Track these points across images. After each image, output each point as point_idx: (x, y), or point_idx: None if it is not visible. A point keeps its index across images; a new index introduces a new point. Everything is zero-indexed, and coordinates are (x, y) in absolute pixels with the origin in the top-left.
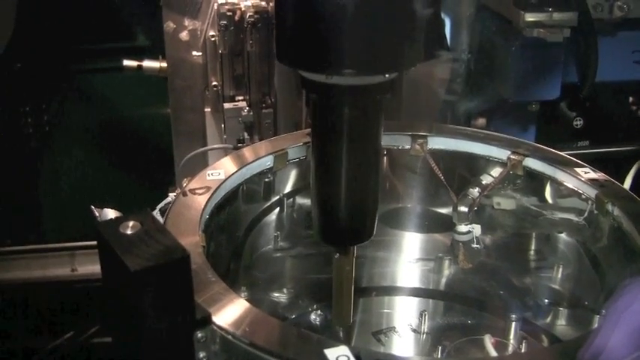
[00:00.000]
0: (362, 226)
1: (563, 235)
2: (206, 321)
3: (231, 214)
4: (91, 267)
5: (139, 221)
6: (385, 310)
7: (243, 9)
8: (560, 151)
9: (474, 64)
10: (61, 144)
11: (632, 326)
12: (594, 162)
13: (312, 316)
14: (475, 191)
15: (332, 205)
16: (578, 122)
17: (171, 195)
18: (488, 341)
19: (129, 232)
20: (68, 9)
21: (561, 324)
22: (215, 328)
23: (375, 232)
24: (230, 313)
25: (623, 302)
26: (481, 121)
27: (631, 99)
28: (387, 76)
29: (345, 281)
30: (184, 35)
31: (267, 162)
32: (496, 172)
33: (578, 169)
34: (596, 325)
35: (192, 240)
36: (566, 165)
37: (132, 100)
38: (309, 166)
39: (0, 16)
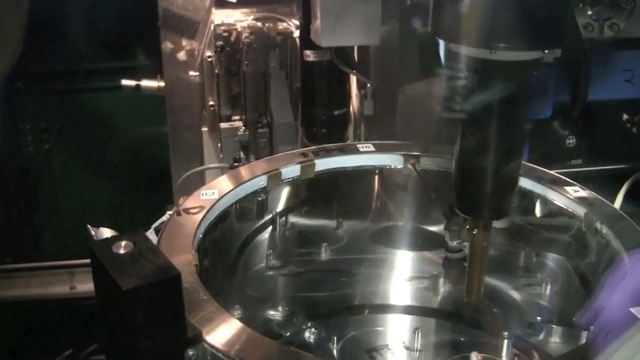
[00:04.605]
0: (503, 203)
1: (553, 253)
2: (197, 339)
3: (225, 233)
4: (90, 285)
5: (131, 241)
6: (378, 328)
7: (239, 30)
8: (553, 169)
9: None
10: (61, 162)
11: (627, 292)
12: (587, 180)
13: (307, 334)
14: None
15: (478, 179)
16: (571, 141)
17: (167, 214)
18: (475, 359)
19: (122, 251)
20: (68, 29)
21: (554, 341)
22: (206, 346)
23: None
24: (221, 331)
25: (620, 271)
26: None
27: (625, 116)
28: (545, 51)
29: (480, 257)
30: (182, 55)
31: (261, 182)
32: None
33: (567, 188)
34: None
35: (185, 259)
36: (555, 183)
37: (131, 119)
38: (301, 184)
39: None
